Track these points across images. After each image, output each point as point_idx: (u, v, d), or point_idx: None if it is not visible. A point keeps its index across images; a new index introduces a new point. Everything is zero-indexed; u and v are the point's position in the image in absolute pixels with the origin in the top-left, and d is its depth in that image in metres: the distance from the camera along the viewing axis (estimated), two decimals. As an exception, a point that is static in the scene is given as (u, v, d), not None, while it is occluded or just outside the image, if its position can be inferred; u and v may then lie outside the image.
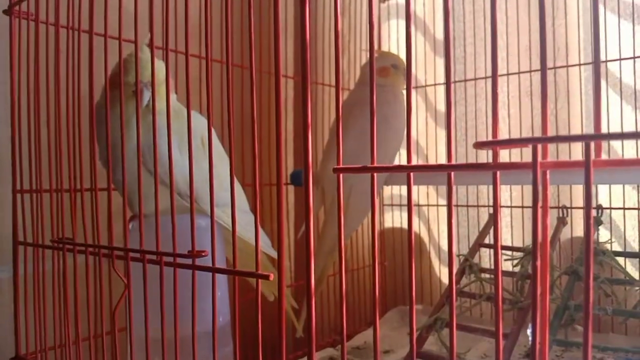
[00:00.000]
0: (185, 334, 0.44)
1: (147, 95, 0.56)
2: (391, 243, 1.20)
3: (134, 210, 0.61)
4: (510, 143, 0.24)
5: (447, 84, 0.27)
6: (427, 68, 1.12)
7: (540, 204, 0.24)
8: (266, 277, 0.36)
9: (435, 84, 1.12)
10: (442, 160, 1.13)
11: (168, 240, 0.44)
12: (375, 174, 0.31)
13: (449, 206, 0.27)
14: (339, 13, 0.34)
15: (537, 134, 1.03)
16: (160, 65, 0.56)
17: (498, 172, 0.26)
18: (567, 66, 0.97)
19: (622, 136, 0.21)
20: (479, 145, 0.25)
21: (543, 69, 0.25)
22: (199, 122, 0.61)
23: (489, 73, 1.06)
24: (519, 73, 1.01)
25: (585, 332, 0.23)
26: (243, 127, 0.92)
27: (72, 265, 0.55)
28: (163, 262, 0.42)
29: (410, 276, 0.28)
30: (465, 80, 1.07)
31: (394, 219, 1.20)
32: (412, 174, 0.29)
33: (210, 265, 0.41)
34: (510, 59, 1.04)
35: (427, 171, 0.28)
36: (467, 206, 1.09)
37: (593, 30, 0.26)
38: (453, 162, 0.27)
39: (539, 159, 0.24)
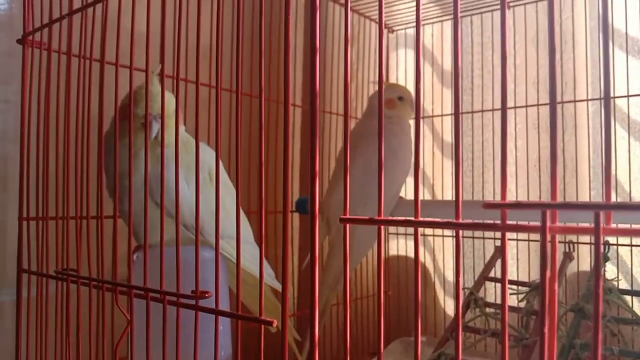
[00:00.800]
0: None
1: (156, 128, 0.57)
2: (396, 272, 1.19)
3: (139, 241, 0.61)
4: (519, 207, 0.24)
5: (456, 155, 0.27)
6: (435, 99, 1.12)
7: (549, 268, 0.24)
8: (269, 324, 0.36)
9: (442, 115, 1.12)
10: (448, 191, 1.13)
11: (173, 272, 0.44)
12: (381, 225, 0.31)
13: (457, 264, 0.27)
14: (349, 46, 0.34)
15: (543, 167, 1.02)
16: (170, 98, 0.57)
17: (506, 234, 0.26)
18: (575, 101, 0.97)
19: (634, 207, 0.21)
20: (488, 206, 0.25)
21: (553, 131, 0.25)
22: (207, 154, 0.62)
23: (497, 105, 1.06)
24: (526, 106, 1.01)
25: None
26: (251, 155, 0.92)
27: (76, 295, 0.54)
28: (166, 301, 0.42)
29: (416, 348, 0.27)
30: (472, 112, 1.08)
31: (399, 247, 1.19)
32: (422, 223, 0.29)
33: (214, 306, 0.41)
34: (518, 91, 1.04)
35: (436, 227, 0.28)
36: (473, 238, 1.09)
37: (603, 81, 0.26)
38: (461, 219, 0.27)
39: (548, 223, 0.24)
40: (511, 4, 1.01)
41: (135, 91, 0.57)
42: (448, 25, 1.12)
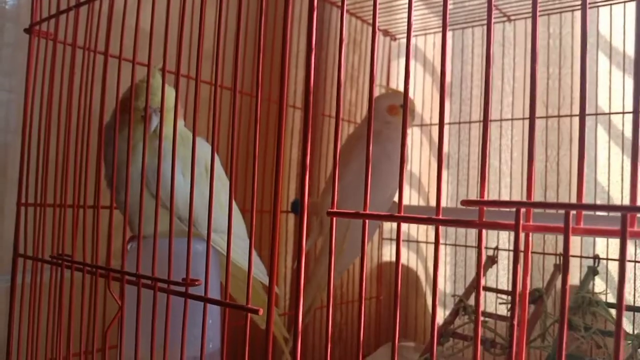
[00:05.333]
0: (175, 358, 0.45)
1: (155, 121, 0.58)
2: (388, 277, 1.20)
3: (134, 231, 0.62)
4: (495, 204, 0.25)
5: (440, 147, 0.28)
6: (433, 108, 1.14)
7: (521, 264, 0.25)
8: (255, 312, 0.37)
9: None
10: (444, 199, 1.14)
11: (166, 262, 0.45)
12: (368, 217, 0.32)
13: (436, 258, 0.28)
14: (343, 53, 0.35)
15: (538, 179, 1.04)
16: (170, 92, 0.58)
17: (484, 230, 0.27)
18: (571, 115, 0.98)
19: (603, 208, 0.22)
20: (466, 202, 0.26)
21: (531, 139, 0.26)
22: (204, 149, 0.63)
23: (495, 116, 1.07)
24: (523, 119, 1.03)
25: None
26: (248, 154, 0.94)
27: (69, 281, 0.56)
28: (157, 287, 0.43)
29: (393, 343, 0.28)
30: (470, 122, 1.09)
31: (392, 252, 1.20)
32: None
33: (203, 294, 0.42)
34: (516, 103, 1.06)
35: (417, 223, 0.29)
36: (466, 246, 1.10)
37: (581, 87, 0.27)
38: (441, 216, 0.28)
39: (522, 222, 0.25)
40: (512, 17, 1.02)
41: (137, 84, 0.58)
42: (449, 36, 1.13)
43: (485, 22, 1.05)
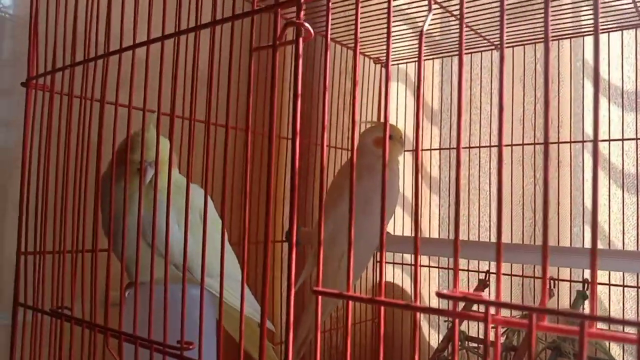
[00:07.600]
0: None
1: (150, 174, 0.60)
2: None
3: (131, 278, 0.64)
4: (466, 300, 0.27)
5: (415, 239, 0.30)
6: (424, 134, 1.16)
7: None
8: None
9: (430, 149, 1.15)
10: (435, 222, 1.16)
11: (162, 312, 0.47)
12: (351, 298, 0.34)
13: (414, 346, 0.30)
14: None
15: (527, 202, 1.06)
16: (165, 144, 0.60)
17: (457, 320, 0.29)
18: (558, 143, 1.00)
19: (564, 313, 0.24)
20: (441, 295, 0.28)
21: (499, 221, 0.28)
22: (198, 196, 0.64)
23: (483, 142, 1.09)
24: (512, 145, 1.04)
25: None
26: (245, 187, 0.95)
27: (69, 330, 0.57)
28: (153, 348, 0.45)
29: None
30: (459, 148, 1.11)
31: (387, 275, 1.22)
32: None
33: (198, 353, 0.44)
34: (505, 127, 1.08)
35: (396, 307, 0.31)
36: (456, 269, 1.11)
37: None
38: (418, 304, 0.30)
39: (491, 315, 0.27)
40: (500, 45, 1.04)
41: (132, 137, 0.60)
42: (437, 63, 1.15)
43: (471, 50, 1.07)
